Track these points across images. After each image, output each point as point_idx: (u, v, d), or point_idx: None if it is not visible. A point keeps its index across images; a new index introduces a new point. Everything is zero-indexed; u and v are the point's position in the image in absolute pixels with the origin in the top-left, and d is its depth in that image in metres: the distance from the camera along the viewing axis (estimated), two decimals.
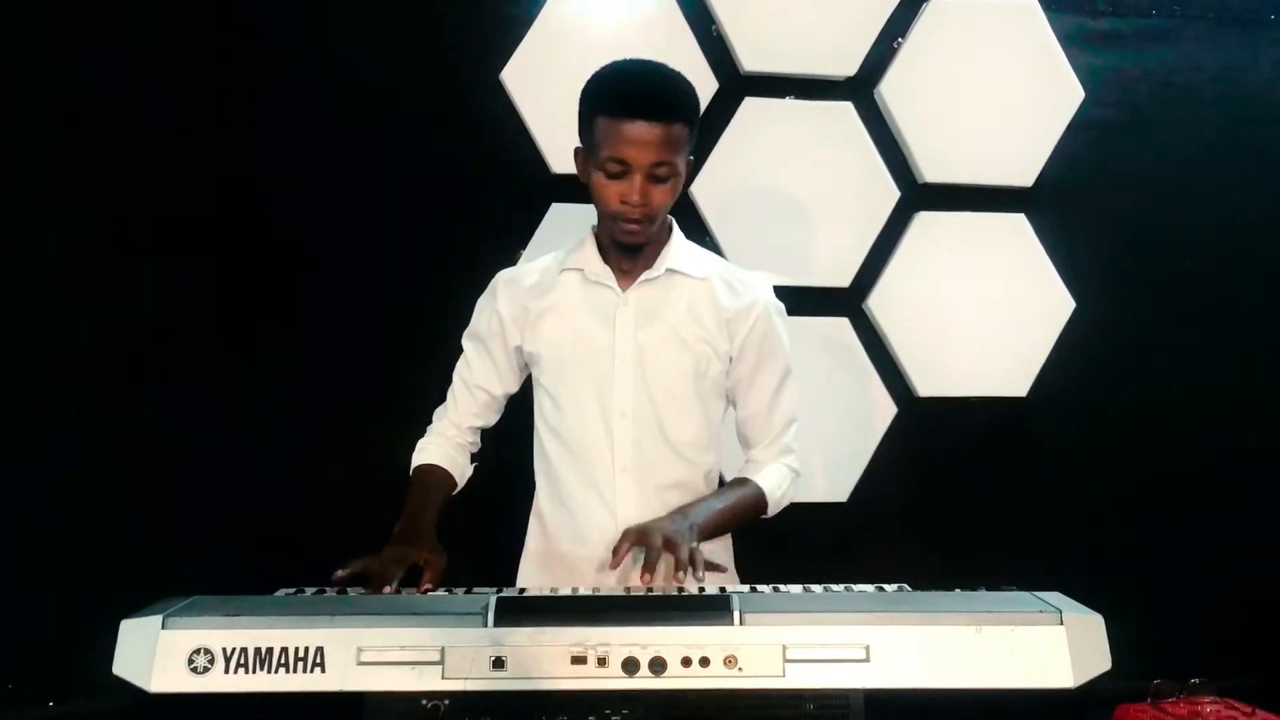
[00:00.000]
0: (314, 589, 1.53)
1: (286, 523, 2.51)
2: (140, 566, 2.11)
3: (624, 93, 1.73)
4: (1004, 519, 2.81)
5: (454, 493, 1.94)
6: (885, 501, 2.80)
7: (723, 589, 1.43)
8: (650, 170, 1.71)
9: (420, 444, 1.96)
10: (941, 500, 2.81)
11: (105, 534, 2.46)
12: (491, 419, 2.00)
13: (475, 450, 2.00)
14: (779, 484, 1.95)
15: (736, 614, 1.30)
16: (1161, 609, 2.78)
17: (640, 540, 1.65)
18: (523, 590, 1.54)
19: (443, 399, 2.00)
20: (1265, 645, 2.82)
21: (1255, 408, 2.92)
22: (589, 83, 1.79)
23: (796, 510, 2.61)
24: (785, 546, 2.30)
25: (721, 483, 2.00)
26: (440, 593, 1.52)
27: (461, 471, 1.96)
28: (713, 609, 1.31)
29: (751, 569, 1.94)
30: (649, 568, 1.57)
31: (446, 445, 1.95)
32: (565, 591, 1.52)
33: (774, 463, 1.96)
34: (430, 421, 2.00)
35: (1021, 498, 2.84)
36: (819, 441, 2.73)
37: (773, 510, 1.94)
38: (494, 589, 1.55)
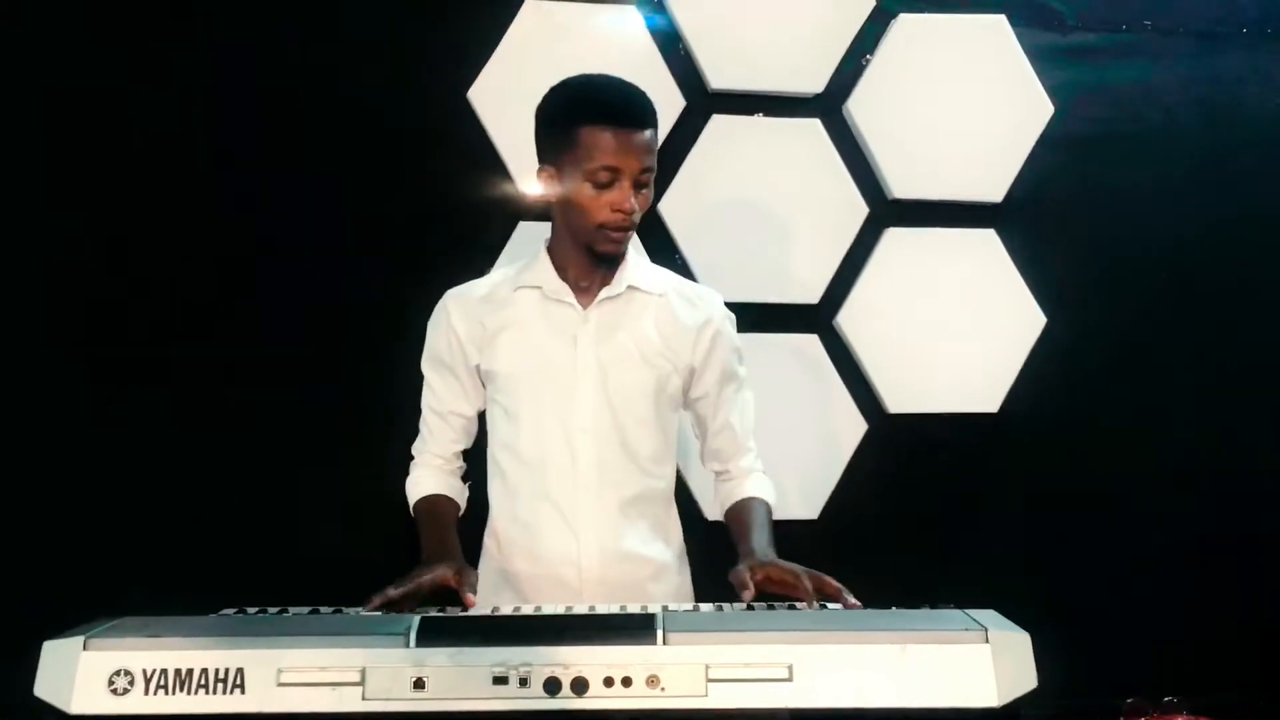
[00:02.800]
0: (255, 609, 1.53)
1: (239, 542, 2.51)
2: (82, 588, 2.12)
3: (610, 102, 1.76)
4: (975, 535, 2.80)
5: (458, 516, 1.94)
6: (856, 518, 2.78)
7: (644, 607, 1.42)
8: (638, 177, 1.74)
9: (411, 479, 1.96)
10: (912, 517, 2.79)
11: (50, 552, 2.47)
12: (470, 441, 1.99)
13: (464, 473, 1.99)
14: (772, 493, 1.96)
15: (660, 633, 1.28)
16: (1134, 626, 2.78)
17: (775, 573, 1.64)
18: (444, 609, 1.54)
19: (406, 417, 2.00)
20: (1240, 661, 2.80)
21: (1227, 422, 2.90)
22: (559, 97, 1.80)
23: None
24: None
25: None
26: (372, 614, 1.51)
27: (461, 496, 1.96)
28: (636, 628, 1.30)
29: (723, 586, 1.92)
30: (807, 595, 1.57)
31: (439, 474, 1.95)
32: (494, 611, 1.51)
33: (755, 471, 1.98)
34: (397, 441, 1.99)
35: (992, 514, 2.82)
36: (790, 458, 2.72)
37: None
38: (435, 607, 1.56)
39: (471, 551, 1.95)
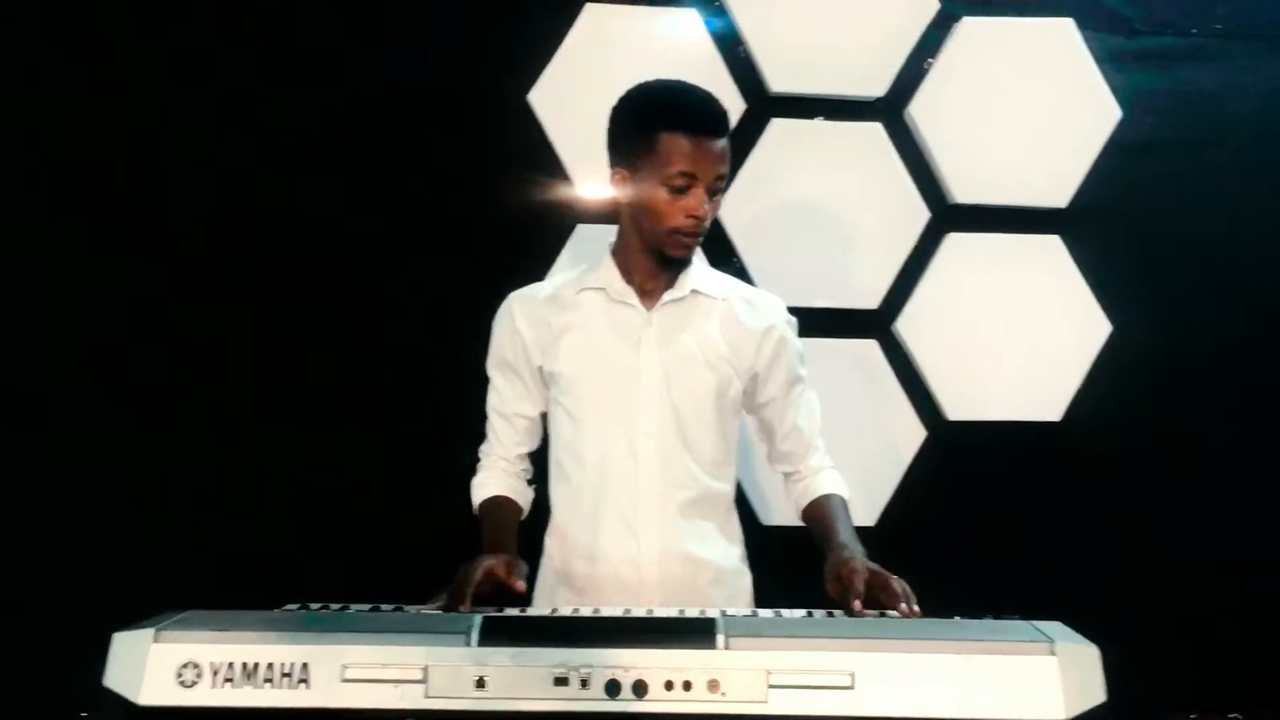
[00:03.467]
0: (318, 605, 1.55)
1: (295, 537, 2.54)
2: (150, 581, 2.15)
3: (690, 108, 1.78)
4: (1035, 546, 2.74)
5: (521, 518, 1.95)
6: (914, 526, 2.74)
7: (703, 611, 1.42)
8: (712, 184, 1.76)
9: (476, 480, 1.97)
10: (971, 526, 2.75)
11: (114, 545, 2.52)
12: (536, 442, 2.00)
13: (530, 476, 2.00)
14: (845, 488, 1.97)
15: (721, 638, 1.29)
16: (1197, 641, 2.72)
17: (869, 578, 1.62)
18: (503, 609, 1.54)
19: (467, 419, 2.01)
20: None
21: None
22: (637, 101, 1.82)
23: None
24: (810, 569, 2.28)
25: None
26: (432, 611, 1.52)
27: (525, 498, 1.97)
28: (697, 632, 1.30)
29: (775, 591, 1.93)
30: (896, 599, 1.55)
31: (504, 476, 1.96)
32: (556, 612, 1.51)
33: (827, 468, 1.99)
34: (459, 444, 2.01)
35: (1053, 525, 2.77)
36: (847, 464, 2.62)
37: None
38: (492, 607, 1.56)
39: (531, 552, 1.96)
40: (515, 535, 1.87)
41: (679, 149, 1.73)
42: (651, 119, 1.77)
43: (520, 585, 1.62)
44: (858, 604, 1.54)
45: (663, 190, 1.75)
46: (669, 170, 1.74)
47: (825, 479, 1.96)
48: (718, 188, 1.78)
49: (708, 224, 1.80)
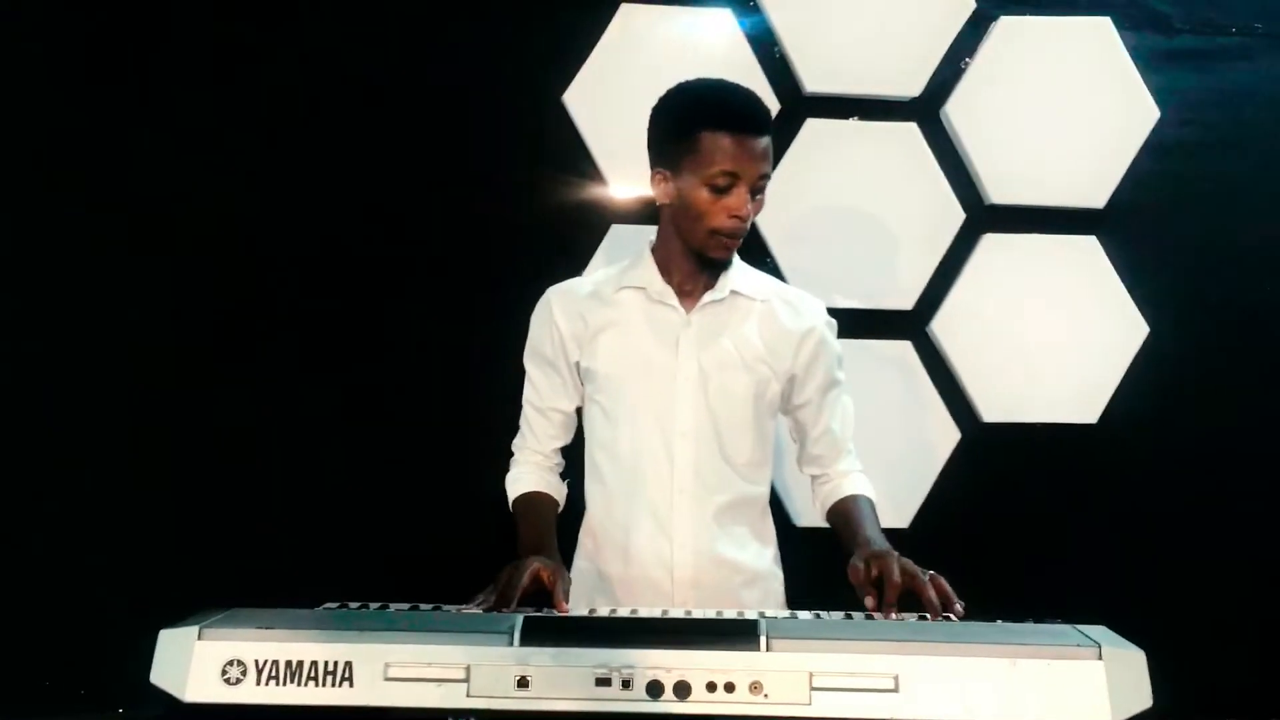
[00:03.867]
0: (358, 604, 1.56)
1: (344, 535, 2.56)
2: (194, 578, 2.18)
3: (732, 106, 1.77)
4: (1070, 549, 2.73)
5: (557, 513, 1.95)
6: (948, 528, 2.73)
7: (740, 613, 1.41)
8: (755, 183, 1.75)
9: (511, 475, 1.97)
10: (1006, 528, 2.73)
11: (157, 543, 2.55)
12: (570, 437, 2.00)
13: (563, 469, 2.00)
14: (873, 491, 1.95)
15: (763, 639, 1.28)
16: (1237, 643, 2.70)
17: (882, 568, 1.59)
18: (546, 610, 1.54)
19: (505, 417, 2.01)
20: None
21: None
22: (679, 100, 1.81)
23: None
24: (843, 571, 2.27)
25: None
26: (473, 611, 1.53)
27: (560, 493, 1.97)
28: (740, 634, 1.29)
29: (805, 593, 1.92)
30: (937, 607, 1.53)
31: (538, 470, 1.96)
32: (595, 612, 1.51)
33: (855, 472, 1.97)
34: (498, 441, 2.01)
35: (1089, 528, 2.75)
36: (881, 466, 2.64)
37: None
38: (532, 608, 1.57)
39: (567, 549, 1.97)
40: (553, 532, 1.87)
41: (721, 148, 1.72)
42: (693, 118, 1.76)
43: (565, 607, 1.59)
44: (870, 600, 1.55)
45: (704, 190, 1.74)
46: (711, 169, 1.73)
47: (853, 481, 1.94)
48: (760, 187, 1.76)
49: (749, 224, 1.78)
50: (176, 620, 1.33)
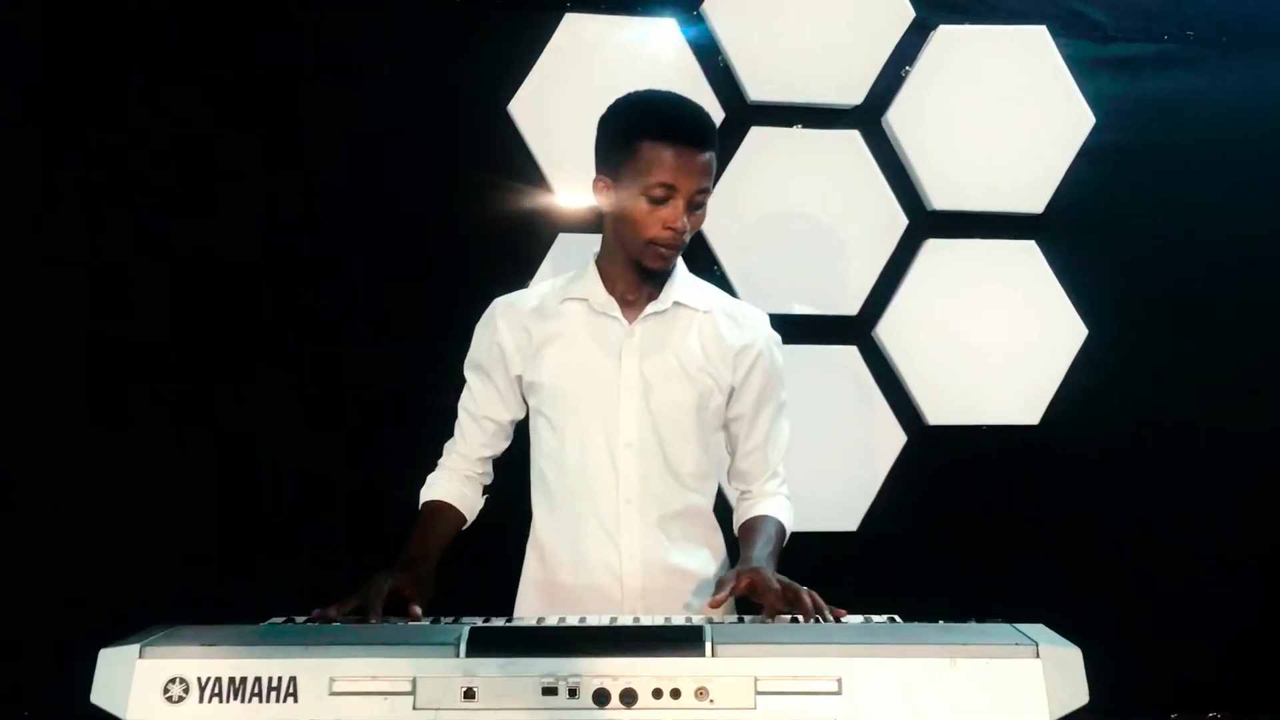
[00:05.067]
0: (304, 618, 1.55)
1: (285, 549, 2.53)
2: (136, 594, 2.14)
3: (672, 120, 1.76)
4: (1015, 549, 2.77)
5: (464, 527, 1.94)
6: (895, 531, 2.77)
7: (688, 619, 1.42)
8: (693, 197, 1.74)
9: (429, 479, 1.96)
10: (952, 530, 2.77)
11: (100, 559, 2.50)
12: (501, 447, 1.99)
13: (488, 481, 1.99)
14: (789, 514, 1.95)
15: (708, 645, 1.28)
16: (1176, 641, 2.74)
17: (753, 580, 1.61)
18: (489, 619, 1.54)
19: (447, 429, 2.01)
20: None
21: (1273, 434, 2.86)
22: (624, 109, 1.81)
23: (805, 539, 2.59)
24: (792, 575, 2.28)
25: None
26: (423, 623, 1.52)
27: (471, 505, 1.96)
28: (685, 640, 1.30)
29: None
30: (770, 613, 1.56)
31: (454, 480, 1.95)
32: (543, 621, 1.52)
33: (775, 496, 1.96)
34: (440, 454, 2.00)
35: (1033, 527, 2.80)
36: (828, 470, 2.71)
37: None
38: (480, 618, 1.56)
39: (511, 558, 1.97)
40: (443, 546, 1.85)
41: (660, 159, 1.72)
42: (635, 128, 1.76)
43: (417, 611, 1.59)
44: (715, 600, 1.58)
45: (642, 200, 1.74)
46: (649, 180, 1.73)
47: (771, 502, 1.94)
48: (699, 201, 1.76)
49: (687, 237, 1.78)
50: (117, 639, 1.32)
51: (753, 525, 1.90)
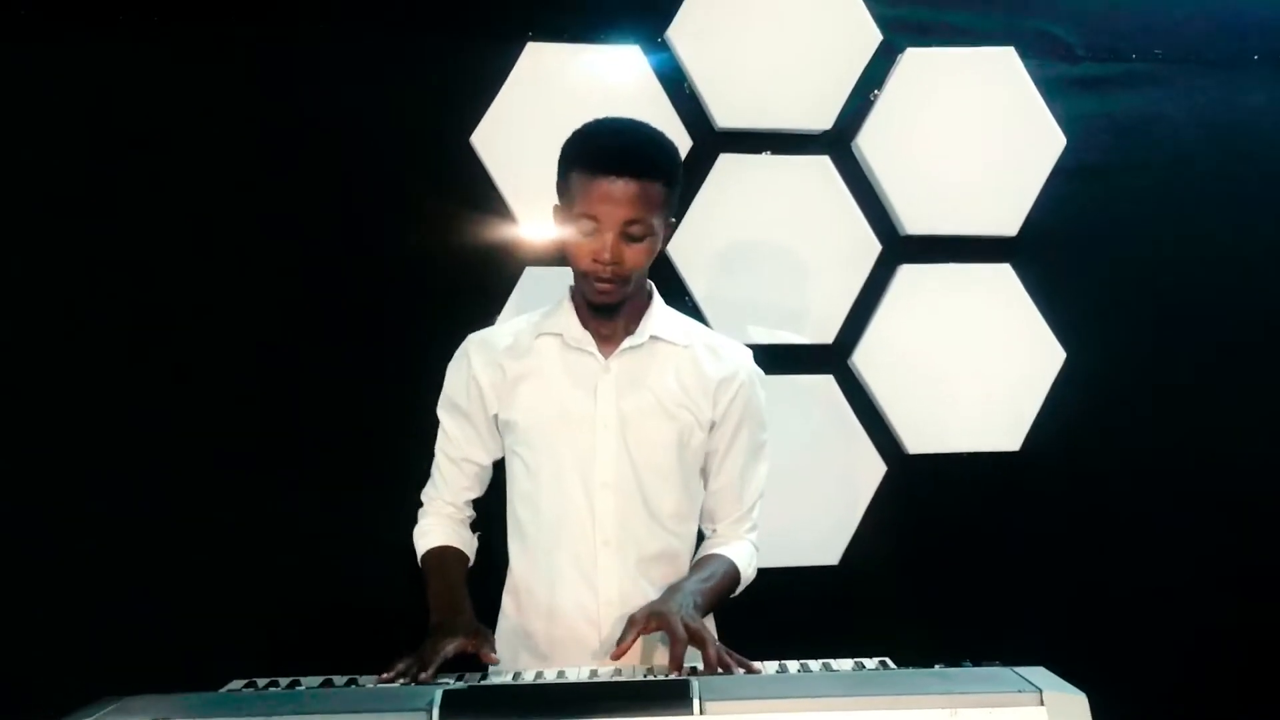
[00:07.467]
0: (266, 680, 1.47)
1: (243, 604, 2.44)
2: (81, 664, 2.05)
3: (599, 148, 1.70)
4: (999, 578, 2.72)
5: (468, 567, 1.89)
6: (877, 563, 2.71)
7: (678, 671, 1.35)
8: (623, 229, 1.68)
9: (420, 528, 1.90)
10: (935, 561, 2.72)
11: (42, 629, 2.41)
12: (482, 489, 1.94)
13: (473, 522, 1.94)
14: (748, 561, 1.89)
15: (696, 702, 1.23)
16: (1166, 665, 2.71)
17: (661, 625, 1.57)
18: (463, 676, 1.48)
19: (418, 466, 1.94)
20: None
21: (1257, 453, 2.83)
22: (569, 139, 1.77)
23: (787, 575, 2.55)
24: (774, 612, 2.22)
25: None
26: (389, 684, 1.45)
27: (470, 547, 1.91)
28: (671, 696, 1.24)
29: (740, 637, 1.85)
30: (676, 664, 1.51)
31: (449, 524, 1.89)
32: (520, 676, 1.45)
33: (741, 540, 1.90)
34: (407, 498, 1.94)
35: (1017, 555, 2.75)
36: (808, 503, 2.66)
37: (738, 590, 1.87)
38: (454, 675, 1.49)
39: (486, 606, 1.89)
40: (465, 589, 1.81)
41: (584, 189, 1.68)
42: (568, 157, 1.73)
43: (494, 656, 1.57)
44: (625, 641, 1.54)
45: (574, 230, 1.71)
46: (575, 210, 1.70)
47: (733, 547, 1.88)
48: (634, 233, 1.69)
49: (623, 272, 1.71)
50: (61, 715, 1.24)
51: (701, 561, 1.85)
